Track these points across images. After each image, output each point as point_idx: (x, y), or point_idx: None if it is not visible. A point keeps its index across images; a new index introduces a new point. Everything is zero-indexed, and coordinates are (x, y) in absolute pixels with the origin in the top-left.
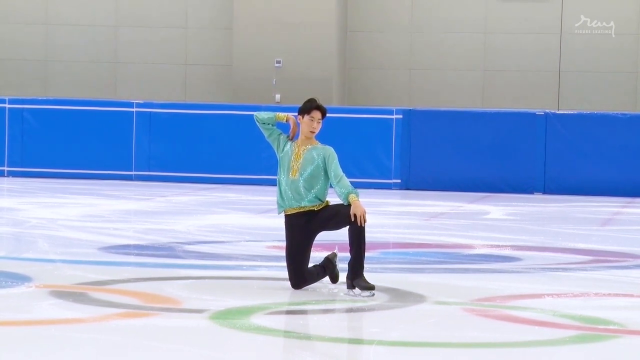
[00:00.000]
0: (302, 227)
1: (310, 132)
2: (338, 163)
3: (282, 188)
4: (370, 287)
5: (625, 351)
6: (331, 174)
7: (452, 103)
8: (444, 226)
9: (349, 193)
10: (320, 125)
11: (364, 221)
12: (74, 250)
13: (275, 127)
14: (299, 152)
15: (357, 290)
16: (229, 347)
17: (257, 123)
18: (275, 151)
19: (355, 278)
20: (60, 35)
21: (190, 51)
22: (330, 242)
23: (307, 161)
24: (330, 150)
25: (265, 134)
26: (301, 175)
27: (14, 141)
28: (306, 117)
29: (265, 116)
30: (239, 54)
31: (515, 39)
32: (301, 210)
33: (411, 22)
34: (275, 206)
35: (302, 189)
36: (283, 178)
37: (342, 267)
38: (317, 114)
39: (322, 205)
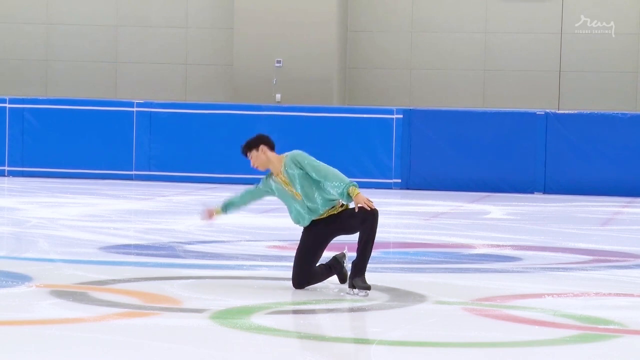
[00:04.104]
0: (319, 229)
1: (256, 168)
2: (311, 157)
3: (300, 213)
4: (366, 288)
5: (626, 351)
6: (312, 174)
7: (452, 103)
8: (444, 226)
9: (346, 187)
10: (256, 160)
11: (372, 206)
12: (74, 249)
13: (258, 186)
14: (283, 179)
15: (355, 290)
16: (229, 347)
17: (235, 209)
18: (273, 196)
19: (355, 277)
20: (60, 35)
21: (191, 51)
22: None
23: (292, 180)
24: (295, 155)
25: (255, 199)
26: (300, 193)
27: (14, 141)
28: None
29: (228, 204)
30: (239, 53)
31: (515, 39)
32: (324, 216)
33: (411, 22)
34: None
35: (309, 204)
36: (295, 206)
37: (348, 266)
38: (248, 156)
39: (340, 207)
